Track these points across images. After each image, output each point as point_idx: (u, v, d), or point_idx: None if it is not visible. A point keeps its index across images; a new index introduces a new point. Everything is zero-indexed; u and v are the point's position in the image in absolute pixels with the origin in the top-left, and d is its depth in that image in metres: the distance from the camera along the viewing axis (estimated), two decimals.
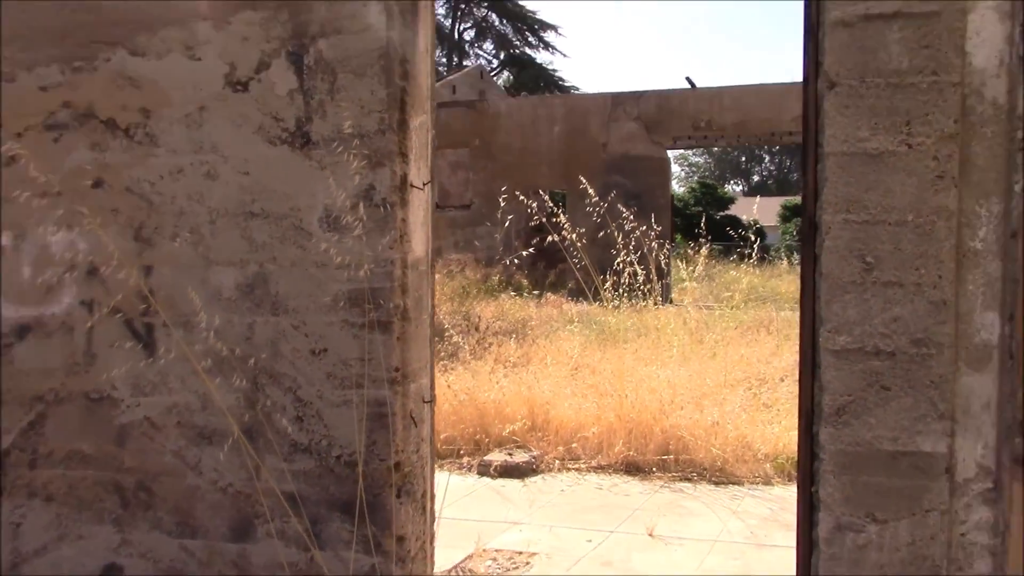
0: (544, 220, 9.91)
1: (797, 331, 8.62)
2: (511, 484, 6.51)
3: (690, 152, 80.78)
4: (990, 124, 2.65)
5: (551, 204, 11.83)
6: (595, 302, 11.37)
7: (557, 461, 6.84)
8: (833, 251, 2.74)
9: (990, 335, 2.66)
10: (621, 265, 8.99)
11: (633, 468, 6.70)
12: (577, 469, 6.78)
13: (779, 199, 54.31)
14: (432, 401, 3.45)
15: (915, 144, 2.67)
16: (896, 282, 2.69)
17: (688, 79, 22.05)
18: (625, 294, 9.34)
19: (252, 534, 3.42)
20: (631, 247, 9.06)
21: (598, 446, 6.90)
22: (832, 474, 2.75)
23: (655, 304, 9.98)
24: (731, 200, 51.89)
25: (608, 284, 8.93)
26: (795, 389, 7.58)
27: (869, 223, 2.71)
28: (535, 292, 18.03)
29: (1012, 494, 2.59)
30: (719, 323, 10.53)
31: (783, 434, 6.84)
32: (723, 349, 8.99)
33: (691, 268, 10.21)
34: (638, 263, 9.24)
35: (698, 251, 10.43)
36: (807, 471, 2.86)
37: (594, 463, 6.80)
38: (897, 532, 2.70)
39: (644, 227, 9.52)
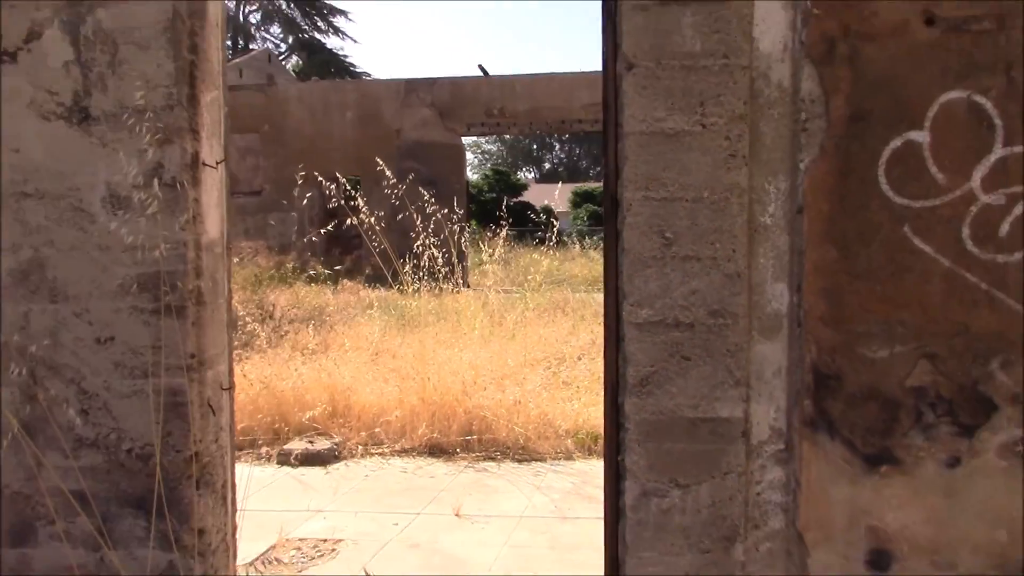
0: (341, 203, 9.72)
1: (592, 311, 8.93)
2: (313, 472, 6.37)
3: (483, 139, 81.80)
4: (776, 106, 2.79)
5: (346, 189, 11.63)
6: (394, 287, 11.33)
7: (360, 447, 6.75)
8: (634, 227, 2.82)
9: (780, 305, 2.81)
10: (420, 249, 8.95)
11: (437, 450, 6.71)
12: (381, 454, 6.72)
13: (570, 186, 55.83)
14: (231, 388, 3.31)
15: (709, 124, 2.78)
16: (694, 256, 2.80)
17: (481, 67, 22.27)
18: (424, 278, 9.32)
19: (33, 537, 3.17)
20: (429, 231, 9.04)
21: (401, 430, 6.86)
22: (637, 443, 2.84)
23: (454, 288, 10.03)
24: (524, 187, 52.89)
25: (407, 269, 8.87)
26: (593, 367, 7.82)
27: (667, 200, 2.80)
28: (331, 279, 17.75)
29: (802, 453, 2.76)
30: (518, 305, 10.70)
31: (582, 410, 7.03)
32: (522, 330, 9.15)
33: (490, 251, 10.32)
34: (436, 247, 9.24)
35: (496, 235, 10.55)
36: (613, 441, 2.94)
37: (398, 447, 6.76)
38: (699, 495, 2.81)
39: (442, 211, 9.54)
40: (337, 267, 16.01)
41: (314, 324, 10.63)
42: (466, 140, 23.44)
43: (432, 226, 9.15)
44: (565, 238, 33.14)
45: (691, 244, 2.80)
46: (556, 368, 8.26)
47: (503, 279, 15.82)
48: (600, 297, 14.96)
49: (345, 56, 44.10)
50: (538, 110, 21.34)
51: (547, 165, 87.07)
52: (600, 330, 10.41)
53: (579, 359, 8.72)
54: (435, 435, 6.71)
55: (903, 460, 2.72)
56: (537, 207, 37.04)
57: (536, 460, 6.55)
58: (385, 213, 10.44)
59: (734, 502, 2.81)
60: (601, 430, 6.95)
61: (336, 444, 6.74)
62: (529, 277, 11.65)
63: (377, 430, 6.83)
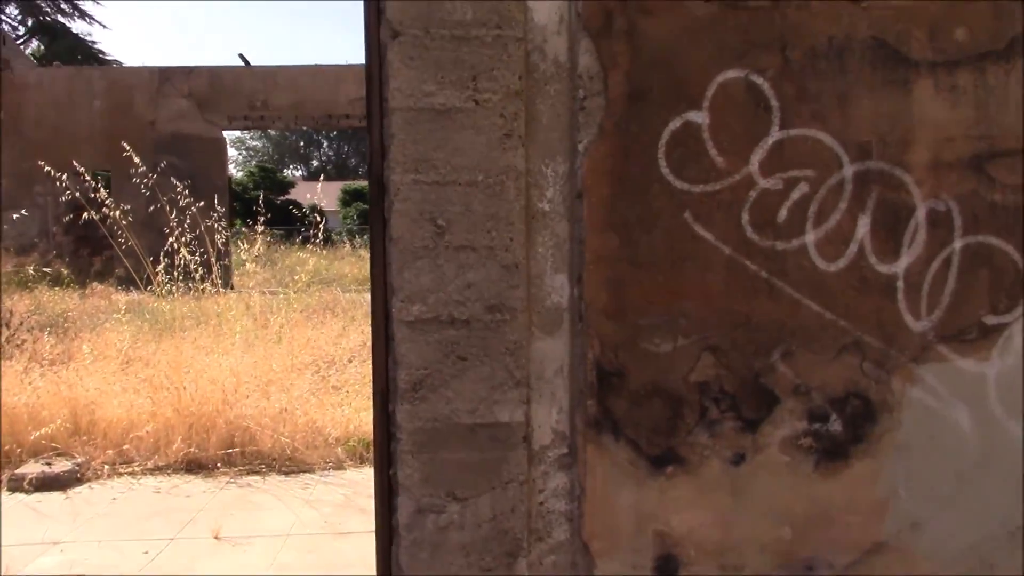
0: (88, 197, 8.87)
1: (363, 312, 8.55)
2: (51, 498, 5.68)
3: (248, 136, 79.13)
4: (553, 82, 2.59)
5: (94, 183, 10.70)
6: (148, 290, 10.55)
7: (107, 467, 6.10)
8: (403, 214, 2.54)
9: (560, 298, 2.61)
10: (175, 247, 8.28)
11: (195, 466, 6.17)
12: (131, 473, 6.10)
13: (339, 183, 54.99)
14: None
15: (482, 100, 2.54)
16: (469, 246, 2.55)
17: (242, 56, 21.31)
18: (180, 279, 8.64)
19: None
20: (186, 230, 8.39)
21: (154, 446, 6.27)
22: (410, 454, 2.56)
23: (214, 289, 9.41)
24: (291, 184, 51.60)
25: (160, 269, 8.17)
26: (364, 370, 7.47)
27: (439, 184, 2.54)
28: (79, 282, 16.44)
29: (586, 457, 2.57)
30: (284, 307, 10.18)
31: (353, 416, 6.69)
32: (289, 333, 8.67)
33: (251, 249, 9.76)
34: (195, 246, 8.60)
35: (257, 232, 9.99)
36: (384, 453, 2.64)
37: (150, 465, 6.17)
38: (478, 508, 2.57)
39: (200, 207, 8.91)
40: (88, 269, 14.80)
41: (56, 332, 9.67)
42: (230, 136, 22.42)
43: (190, 224, 8.53)
44: (335, 236, 32.51)
45: (466, 233, 2.55)
46: (325, 372, 7.86)
47: (268, 279, 15.13)
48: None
49: (94, 43, 41.13)
50: (303, 103, 20.65)
51: (315, 163, 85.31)
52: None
53: (350, 361, 8.38)
54: (192, 450, 6.17)
55: (688, 459, 2.58)
56: (305, 205, 36.11)
57: (304, 471, 6.15)
58: (138, 210, 9.68)
59: (516, 513, 2.58)
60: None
61: (79, 465, 6.06)
62: (296, 277, 11.17)
63: (126, 447, 6.20)
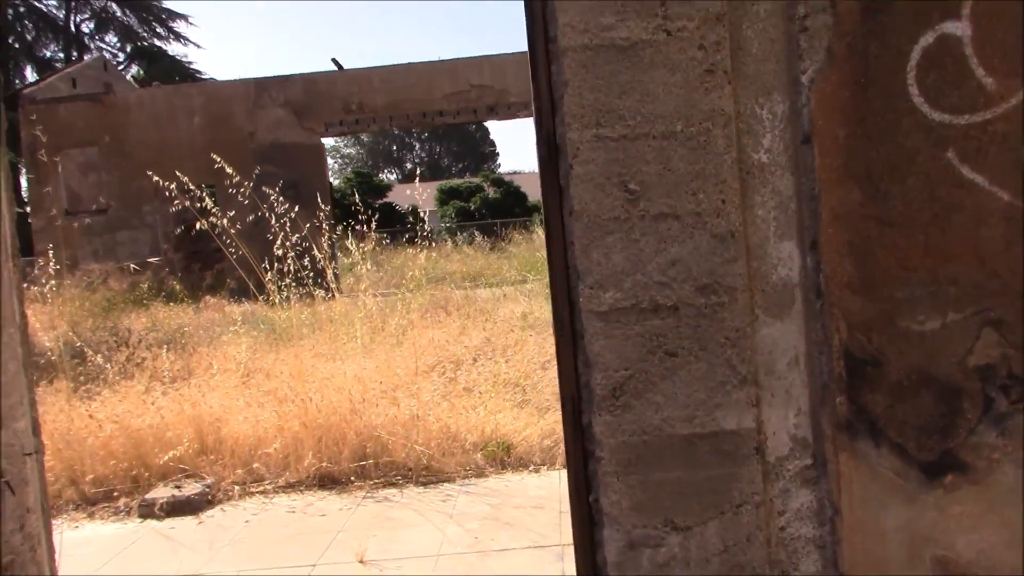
0: (196, 212, 8.69)
1: (476, 309, 8.06)
2: (184, 523, 5.40)
3: (342, 144, 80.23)
4: (762, 0, 2.06)
5: (199, 194, 10.56)
6: (260, 300, 10.37)
7: (237, 487, 5.79)
8: (585, 180, 2.05)
9: (789, 271, 2.09)
10: (284, 254, 8.00)
11: (329, 481, 5.82)
12: (263, 492, 5.78)
13: (434, 183, 55.19)
14: (38, 452, 2.39)
15: (675, 30, 2.03)
16: (670, 213, 2.05)
17: (335, 61, 21.20)
18: (293, 287, 8.36)
19: None
20: (294, 237, 8.13)
21: (284, 462, 5.93)
22: (615, 476, 2.07)
23: (327, 295, 9.13)
24: (388, 187, 51.92)
25: (270, 276, 7.88)
26: (494, 368, 7.04)
27: (628, 138, 2.04)
28: (192, 297, 16.53)
29: (838, 468, 2.04)
30: (400, 307, 9.86)
31: (488, 418, 6.25)
32: (408, 335, 8.29)
33: (362, 252, 9.46)
34: (304, 253, 8.33)
35: (365, 235, 9.69)
36: (580, 476, 2.15)
37: (282, 482, 5.84)
38: (704, 539, 2.06)
39: (306, 215, 8.65)
40: (200, 283, 14.83)
41: (174, 347, 9.52)
42: (326, 143, 22.34)
43: (296, 231, 8.26)
44: (436, 236, 32.43)
45: (665, 197, 2.05)
46: (452, 373, 7.45)
47: (377, 281, 14.91)
48: (485, 293, 14.16)
49: (190, 63, 41.97)
50: (398, 103, 20.41)
51: (408, 165, 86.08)
52: (494, 328, 9.67)
53: (475, 360, 7.94)
54: (324, 464, 5.82)
55: (973, 465, 2.03)
56: (402, 208, 36.03)
57: (443, 481, 5.73)
58: (244, 222, 9.48)
59: (753, 543, 2.07)
60: (513, 438, 6.20)
61: (208, 487, 5.77)
62: (408, 275, 10.82)
63: (256, 465, 5.88)
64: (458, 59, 20.34)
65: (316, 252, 8.90)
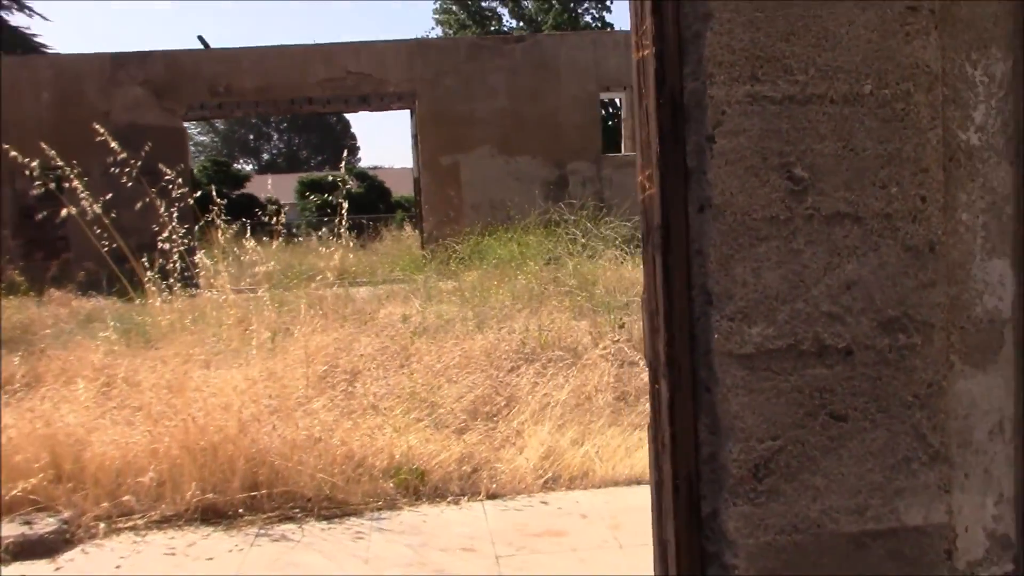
0: (38, 198, 7.64)
1: (352, 310, 7.23)
2: (36, 569, 4.46)
3: (196, 131, 77.08)
4: None
5: (47, 179, 9.43)
6: (112, 295, 9.35)
7: (101, 524, 4.86)
8: (732, 159, 1.40)
9: (999, 301, 1.49)
10: (142, 244, 7.05)
11: (213, 514, 4.97)
12: (134, 528, 4.87)
13: (292, 176, 53.66)
14: None
15: None
16: (849, 213, 1.43)
17: (201, 38, 19.85)
18: (152, 282, 7.38)
19: None
20: (152, 228, 7.20)
21: (159, 491, 5.04)
22: None
23: (189, 290, 8.21)
24: (246, 178, 50.14)
25: (150, 273, 6.91)
26: (395, 380, 6.29)
27: (797, 101, 1.41)
28: (35, 289, 15.09)
29: None
30: (270, 308, 8.97)
31: (397, 440, 5.52)
32: (291, 339, 7.44)
33: (223, 247, 8.58)
34: (162, 245, 7.37)
35: (222, 229, 8.79)
36: None
37: (157, 515, 4.94)
38: None
39: (163, 204, 7.69)
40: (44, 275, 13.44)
41: (21, 349, 8.34)
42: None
43: (154, 220, 7.33)
44: (296, 230, 31.25)
45: (843, 190, 1.43)
46: (350, 385, 6.66)
47: (238, 277, 13.84)
48: (362, 292, 13.31)
49: (35, 36, 39.11)
50: (268, 88, 19.24)
51: (266, 156, 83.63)
52: (385, 333, 8.88)
53: (371, 371, 7.16)
54: (209, 494, 4.96)
55: None
56: (261, 199, 34.52)
57: (350, 514, 4.97)
58: (96, 209, 8.48)
59: None
60: (426, 463, 5.47)
61: (66, 523, 4.82)
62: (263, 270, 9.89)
63: (126, 498, 4.96)
64: (335, 44, 19.35)
65: (176, 244, 7.98)
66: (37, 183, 7.79)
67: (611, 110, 37.81)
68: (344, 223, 7.51)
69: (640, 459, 5.43)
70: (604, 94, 23.48)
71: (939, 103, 1.47)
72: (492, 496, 5.10)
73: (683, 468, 1.50)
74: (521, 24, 45.22)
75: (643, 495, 5.12)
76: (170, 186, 7.26)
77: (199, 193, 9.31)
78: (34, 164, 8.11)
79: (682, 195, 1.45)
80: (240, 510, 4.98)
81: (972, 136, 1.51)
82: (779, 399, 1.45)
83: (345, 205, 7.41)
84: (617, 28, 40.84)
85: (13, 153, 7.42)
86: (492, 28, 45.20)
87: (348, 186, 7.73)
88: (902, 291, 1.47)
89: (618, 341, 7.67)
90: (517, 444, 5.62)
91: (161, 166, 7.79)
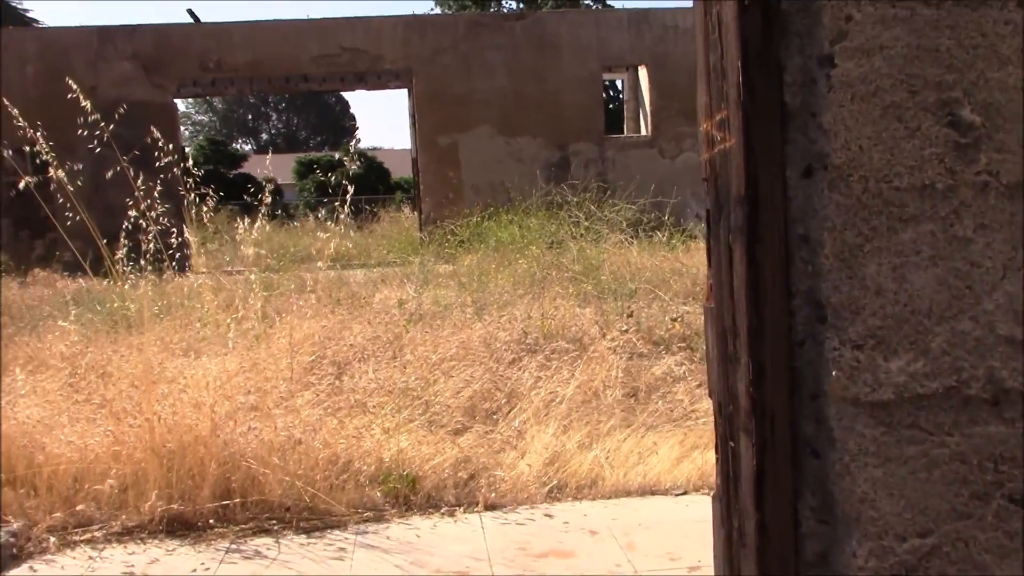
0: (22, 174, 7.17)
1: (346, 294, 6.65)
2: None
3: (194, 110, 76.45)
4: None
5: (32, 156, 8.98)
6: (98, 276, 8.89)
7: (52, 538, 4.36)
8: (861, 91, 0.88)
9: None
10: (130, 227, 6.54)
11: (181, 526, 4.48)
12: (91, 541, 4.38)
13: (291, 156, 53.18)
14: None
15: None
16: None
17: (191, 12, 19.25)
18: (137, 264, 6.89)
19: None
20: (140, 208, 6.71)
21: (121, 499, 4.55)
22: None
23: (177, 273, 7.76)
24: (244, 158, 49.80)
25: (120, 253, 6.41)
26: (388, 374, 5.78)
27: (964, 2, 0.87)
28: (19, 269, 14.67)
29: None
30: (259, 292, 8.48)
31: (386, 442, 5.02)
32: (281, 328, 6.94)
33: (216, 227, 8.13)
34: (151, 226, 6.88)
35: (214, 210, 8.35)
36: None
37: (117, 527, 4.45)
38: None
39: (153, 184, 7.21)
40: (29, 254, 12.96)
41: None
42: (178, 107, 20.38)
43: (144, 199, 6.84)
44: (293, 211, 30.79)
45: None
46: (336, 379, 6.16)
47: (231, 260, 13.36)
48: (357, 275, 12.81)
49: (25, 11, 38.45)
50: (260, 63, 18.66)
51: (264, 136, 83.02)
52: (378, 320, 8.37)
53: (361, 361, 6.65)
54: (176, 504, 4.46)
55: None
56: (259, 179, 34.10)
57: (332, 527, 4.47)
58: (84, 186, 8.15)
59: None
60: (419, 469, 4.96)
61: (15, 535, 4.33)
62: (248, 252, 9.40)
63: (80, 507, 4.47)
64: (329, 19, 18.77)
65: (164, 223, 7.51)
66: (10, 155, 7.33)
67: (612, 93, 37.24)
68: (347, 205, 6.98)
69: (653, 465, 4.93)
70: (606, 75, 22.93)
71: None
72: (491, 507, 4.60)
73: (775, 566, 0.99)
74: (521, 5, 44.55)
75: (657, 508, 4.63)
76: (158, 164, 6.80)
77: (201, 172, 8.90)
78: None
79: (778, 150, 0.94)
80: (210, 521, 4.49)
81: None
82: (932, 473, 0.95)
83: (351, 189, 6.88)
84: (618, 6, 40.23)
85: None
86: (492, 8, 44.52)
87: (354, 167, 7.20)
88: None
89: (627, 331, 7.16)
90: (519, 447, 5.12)
91: (149, 142, 7.31)
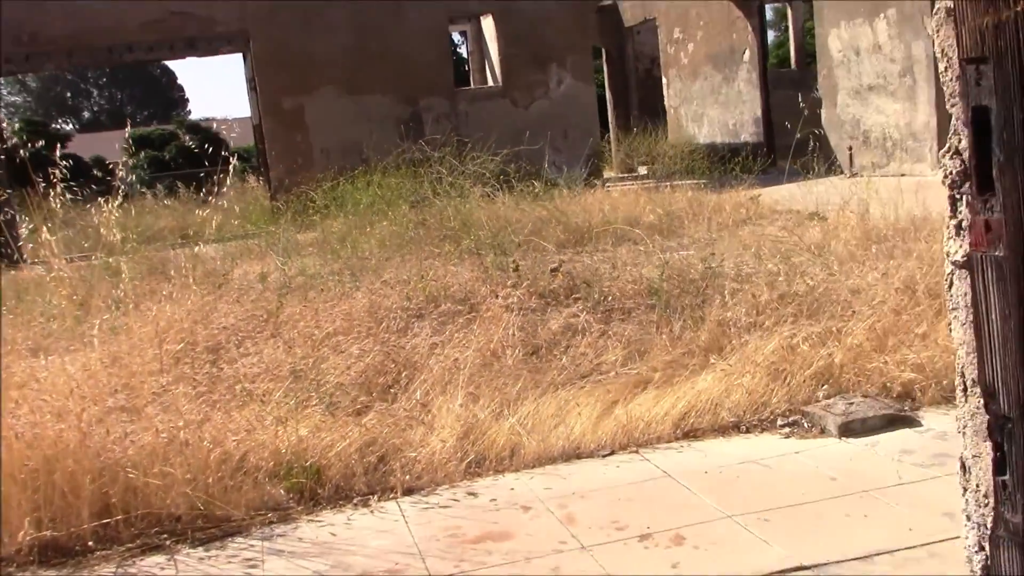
0: None
1: (204, 271, 6.03)
2: None
3: (5, 90, 71.38)
4: None
5: None
6: None
7: None
8: None
9: None
10: None
11: (56, 552, 3.91)
12: None
13: (118, 133, 50.39)
14: None
15: None
16: None
17: None
18: None
19: None
20: None
21: None
22: None
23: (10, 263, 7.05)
24: (67, 138, 46.85)
25: None
26: (269, 356, 5.25)
27: None
28: None
29: None
30: (110, 279, 7.79)
31: (282, 432, 4.54)
32: (143, 314, 6.30)
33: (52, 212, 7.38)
34: None
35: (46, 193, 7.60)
36: None
37: None
38: None
39: None
40: None
41: None
42: None
43: None
44: (128, 188, 29.06)
45: None
46: (213, 367, 5.60)
47: (71, 245, 12.35)
48: (210, 251, 11.99)
49: None
50: (82, 34, 17.26)
51: (87, 114, 78.54)
52: (255, 297, 7.76)
53: (239, 345, 6.10)
54: (48, 530, 3.89)
55: None
56: (87, 159, 31.98)
57: (233, 533, 4.00)
58: None
59: None
60: (322, 458, 4.50)
61: None
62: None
63: None
64: None
65: None
66: None
67: (452, 45, 36.62)
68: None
69: (573, 426, 4.63)
70: (452, 27, 22.40)
71: None
72: (408, 491, 4.21)
73: None
74: None
75: (587, 473, 4.31)
76: None
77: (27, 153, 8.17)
78: None
79: None
80: (90, 544, 3.94)
81: None
82: None
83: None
84: None
85: None
86: None
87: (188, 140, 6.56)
88: None
89: (515, 286, 6.82)
90: (426, 422, 4.73)
91: None
